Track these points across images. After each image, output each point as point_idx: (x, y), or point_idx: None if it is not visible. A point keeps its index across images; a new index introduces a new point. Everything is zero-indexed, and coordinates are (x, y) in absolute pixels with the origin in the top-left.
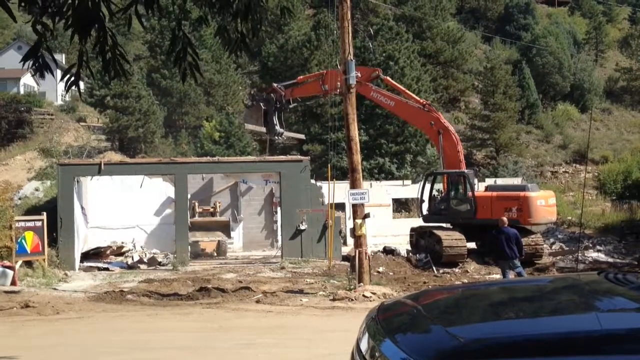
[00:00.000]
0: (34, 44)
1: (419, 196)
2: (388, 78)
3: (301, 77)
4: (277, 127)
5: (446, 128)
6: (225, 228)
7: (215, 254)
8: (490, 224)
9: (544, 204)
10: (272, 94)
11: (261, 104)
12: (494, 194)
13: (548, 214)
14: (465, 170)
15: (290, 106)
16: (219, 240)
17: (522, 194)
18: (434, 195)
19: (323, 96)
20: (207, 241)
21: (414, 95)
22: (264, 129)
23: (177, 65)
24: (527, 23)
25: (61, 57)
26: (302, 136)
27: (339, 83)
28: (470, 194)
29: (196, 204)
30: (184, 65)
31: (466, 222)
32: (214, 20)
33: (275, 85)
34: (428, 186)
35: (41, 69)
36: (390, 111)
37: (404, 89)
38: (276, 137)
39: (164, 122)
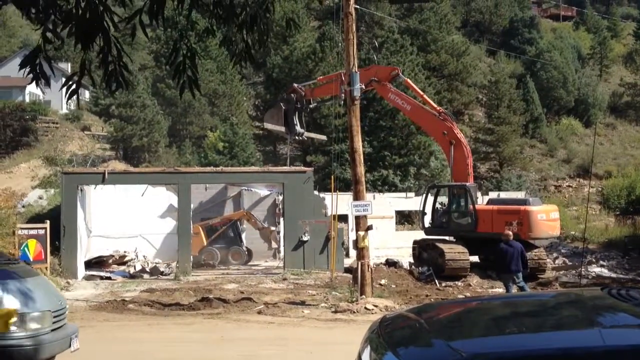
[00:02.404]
0: (30, 51)
1: (421, 208)
2: (408, 80)
3: (321, 77)
4: (297, 127)
5: (458, 139)
6: (273, 236)
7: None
8: (491, 238)
9: (545, 218)
10: (292, 94)
11: (281, 104)
12: (495, 207)
13: (549, 229)
14: (467, 184)
15: (311, 106)
16: (247, 248)
17: (522, 208)
18: (437, 207)
19: (342, 96)
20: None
21: (430, 102)
22: (283, 129)
23: (176, 78)
24: (531, 37)
25: (67, 66)
26: (323, 137)
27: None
28: (471, 207)
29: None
30: (182, 79)
31: (467, 235)
32: (220, 31)
33: (295, 85)
34: (430, 198)
35: (38, 77)
36: (404, 114)
37: (421, 93)
38: (296, 137)
39: (168, 132)
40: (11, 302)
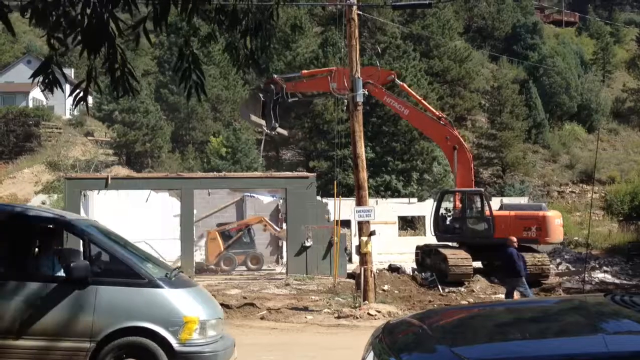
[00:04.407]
0: (44, 60)
1: (433, 214)
2: (404, 85)
3: (305, 71)
4: (272, 120)
5: (462, 144)
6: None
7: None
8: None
9: (559, 223)
10: (271, 85)
11: (260, 95)
12: (512, 213)
13: (561, 234)
14: (482, 189)
15: (290, 100)
16: (259, 253)
17: (540, 213)
18: (442, 213)
19: (330, 94)
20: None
21: (429, 107)
22: (262, 122)
23: (182, 83)
24: (534, 43)
25: (70, 72)
26: (285, 132)
27: (346, 83)
28: (487, 212)
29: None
30: (189, 84)
31: (484, 241)
32: (222, 37)
33: (275, 76)
34: (442, 204)
35: (51, 85)
36: (405, 119)
37: (420, 98)
38: (271, 132)
39: (171, 137)
40: (192, 310)
